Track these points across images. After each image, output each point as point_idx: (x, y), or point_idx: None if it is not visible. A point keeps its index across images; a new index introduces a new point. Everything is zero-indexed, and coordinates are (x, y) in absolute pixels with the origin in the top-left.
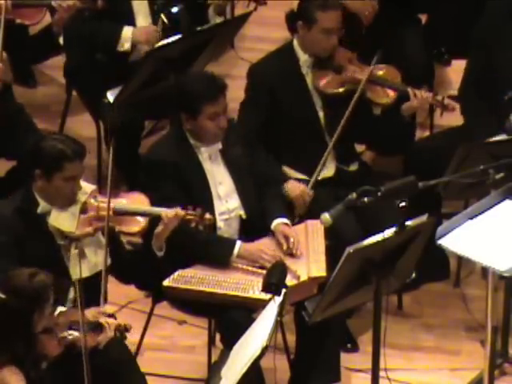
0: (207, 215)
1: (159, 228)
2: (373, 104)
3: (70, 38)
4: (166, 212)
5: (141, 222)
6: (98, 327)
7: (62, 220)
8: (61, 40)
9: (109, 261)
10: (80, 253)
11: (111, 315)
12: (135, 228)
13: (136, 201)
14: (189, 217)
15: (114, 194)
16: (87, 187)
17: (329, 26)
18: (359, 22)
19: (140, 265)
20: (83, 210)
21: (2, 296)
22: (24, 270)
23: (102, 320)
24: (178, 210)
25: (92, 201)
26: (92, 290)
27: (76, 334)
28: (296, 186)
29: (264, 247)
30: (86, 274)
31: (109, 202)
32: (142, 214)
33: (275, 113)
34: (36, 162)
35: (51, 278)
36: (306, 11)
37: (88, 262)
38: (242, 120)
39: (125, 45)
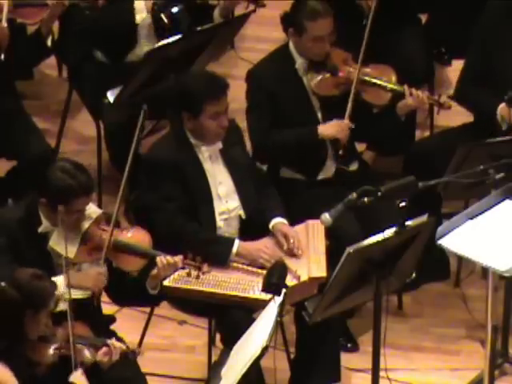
0: (205, 268)
1: (154, 271)
2: (369, 105)
3: (69, 36)
4: (162, 259)
5: (138, 262)
6: (101, 347)
7: (63, 244)
8: (49, 42)
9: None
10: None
11: (120, 339)
12: (131, 267)
13: (138, 238)
14: (187, 266)
15: (118, 228)
16: (93, 212)
17: (319, 34)
18: (361, 11)
19: (133, 295)
20: (84, 239)
21: (3, 284)
22: (31, 269)
23: (110, 342)
24: (177, 260)
25: (95, 230)
26: (82, 309)
27: (81, 348)
28: (329, 125)
29: (263, 246)
30: (78, 296)
31: (110, 239)
32: (141, 254)
33: (275, 115)
34: (42, 192)
35: (54, 288)
36: (296, 20)
37: None
38: (252, 127)
39: (141, 15)
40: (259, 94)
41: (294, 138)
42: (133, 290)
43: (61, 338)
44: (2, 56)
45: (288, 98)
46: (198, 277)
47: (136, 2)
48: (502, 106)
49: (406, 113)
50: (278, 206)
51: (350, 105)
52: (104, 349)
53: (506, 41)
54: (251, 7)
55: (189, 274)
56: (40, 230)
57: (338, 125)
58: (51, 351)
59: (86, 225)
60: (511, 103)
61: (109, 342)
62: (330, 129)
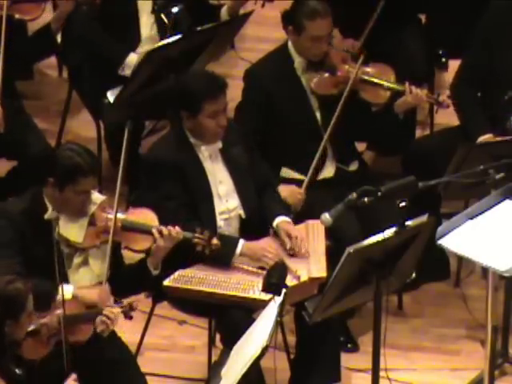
0: (214, 240)
1: (153, 245)
2: (368, 104)
3: (70, 37)
4: (161, 229)
5: (146, 240)
6: (96, 317)
7: (70, 229)
8: (58, 38)
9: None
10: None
11: (116, 301)
12: (141, 246)
13: (145, 218)
14: (196, 240)
15: (123, 208)
16: (97, 198)
17: (317, 34)
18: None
19: (134, 281)
20: (91, 222)
21: None
22: (3, 277)
23: (104, 311)
24: (174, 230)
25: (101, 213)
26: None
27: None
28: (285, 187)
29: (267, 246)
30: (86, 283)
31: (115, 218)
32: (149, 231)
33: (273, 115)
34: (50, 170)
35: (29, 287)
36: (295, 19)
37: (91, 271)
38: (237, 123)
39: (126, 70)
40: (254, 93)
41: None
42: (131, 276)
43: (53, 323)
44: None
45: (286, 97)
46: (211, 251)
47: (131, 55)
48: (487, 136)
49: (403, 110)
50: (281, 205)
51: (341, 105)
52: (98, 319)
53: (510, 41)
54: (259, 3)
55: (198, 248)
56: (46, 216)
57: (292, 191)
58: (43, 343)
59: (91, 210)
60: (511, 103)
61: (104, 311)
62: (284, 190)
